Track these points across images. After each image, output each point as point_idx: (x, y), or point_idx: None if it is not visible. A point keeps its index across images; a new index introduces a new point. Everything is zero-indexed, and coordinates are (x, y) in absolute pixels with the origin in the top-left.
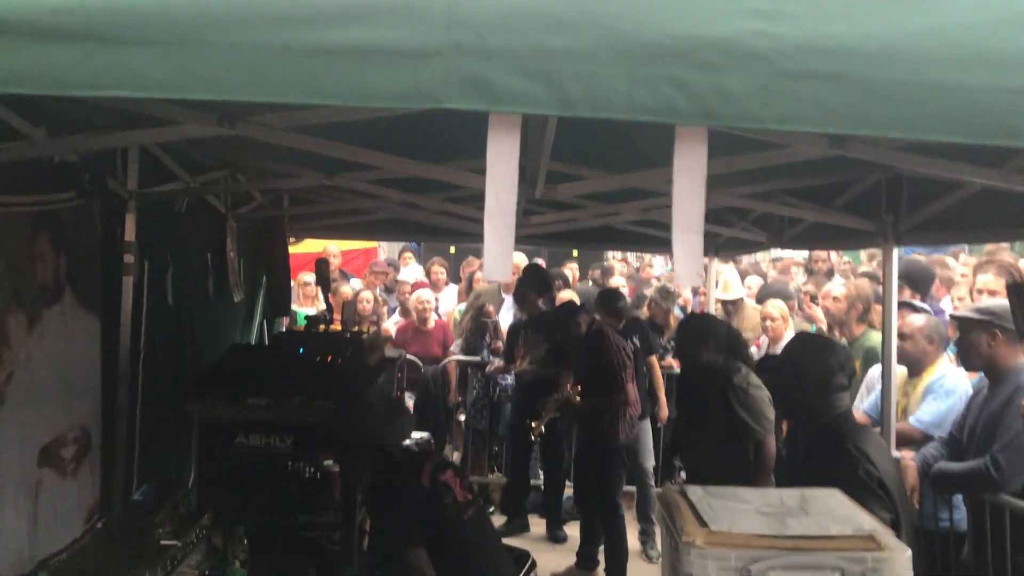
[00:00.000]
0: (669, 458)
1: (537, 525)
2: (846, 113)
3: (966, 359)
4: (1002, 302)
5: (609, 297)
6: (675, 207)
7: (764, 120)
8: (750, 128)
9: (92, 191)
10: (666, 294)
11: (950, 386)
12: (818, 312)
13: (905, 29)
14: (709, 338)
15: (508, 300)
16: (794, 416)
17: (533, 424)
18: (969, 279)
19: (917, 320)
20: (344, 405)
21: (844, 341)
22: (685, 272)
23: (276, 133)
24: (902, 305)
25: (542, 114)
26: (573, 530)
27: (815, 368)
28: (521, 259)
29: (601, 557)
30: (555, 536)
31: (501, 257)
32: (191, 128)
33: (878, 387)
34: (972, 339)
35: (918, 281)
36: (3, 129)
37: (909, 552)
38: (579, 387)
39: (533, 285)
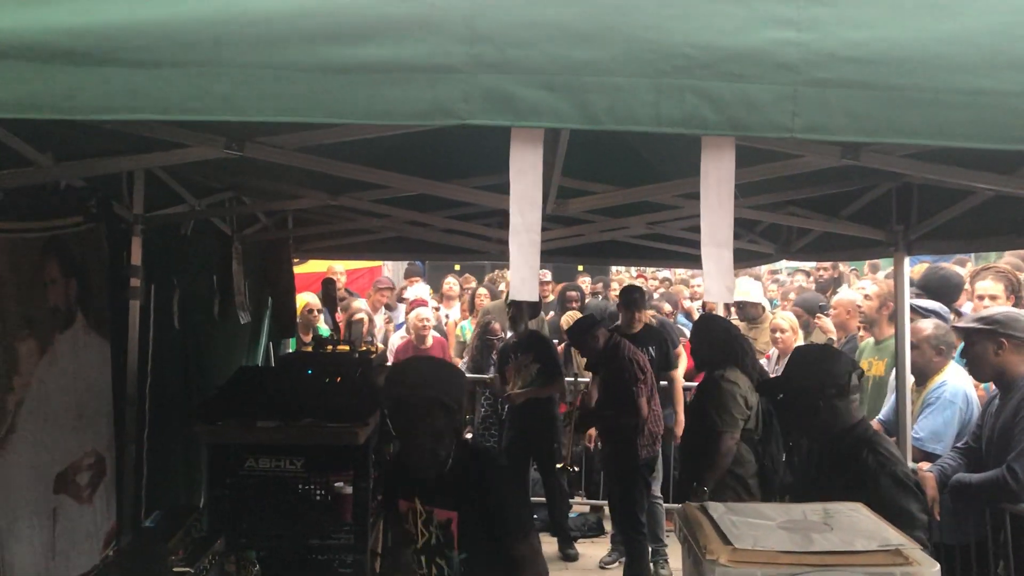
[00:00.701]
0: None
1: (546, 544)
2: (875, 121)
3: (975, 370)
4: (1006, 309)
5: (626, 291)
6: (704, 221)
7: (792, 130)
8: (778, 138)
9: (98, 215)
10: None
11: (949, 396)
12: (827, 323)
13: (934, 35)
14: (708, 337)
15: None
16: (809, 431)
17: (565, 465)
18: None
19: (926, 328)
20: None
21: (872, 340)
22: (716, 287)
23: (284, 154)
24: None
25: (565, 128)
26: (580, 548)
27: (831, 371)
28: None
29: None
30: (567, 555)
31: (528, 275)
32: (198, 151)
33: (892, 396)
34: (978, 350)
35: (937, 291)
36: (10, 156)
37: (937, 567)
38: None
39: (529, 305)
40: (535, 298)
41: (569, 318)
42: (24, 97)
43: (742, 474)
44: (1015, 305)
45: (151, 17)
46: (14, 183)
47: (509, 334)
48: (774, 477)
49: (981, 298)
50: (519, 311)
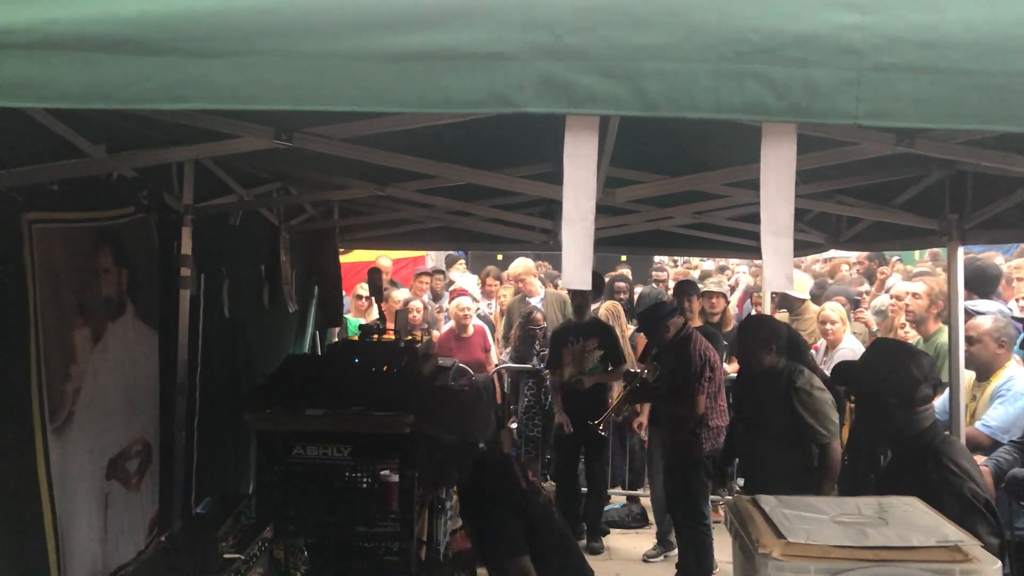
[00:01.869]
0: (722, 465)
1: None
2: (942, 107)
3: None
4: None
5: (680, 284)
6: (764, 209)
7: (856, 116)
8: (841, 124)
9: (149, 206)
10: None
11: (1019, 389)
12: (869, 317)
13: (1003, 17)
14: (772, 340)
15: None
16: (878, 430)
17: (600, 423)
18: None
19: (985, 323)
20: (425, 398)
21: (919, 338)
22: (775, 276)
23: (332, 144)
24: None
25: (622, 115)
26: (623, 539)
27: (898, 379)
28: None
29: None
30: (592, 548)
31: (581, 264)
32: (249, 142)
33: (945, 391)
34: None
35: (974, 282)
36: (65, 147)
37: (999, 564)
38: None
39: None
40: (588, 287)
41: (611, 307)
42: (84, 88)
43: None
44: None
45: (209, 7)
46: (69, 174)
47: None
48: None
49: None
50: (583, 298)
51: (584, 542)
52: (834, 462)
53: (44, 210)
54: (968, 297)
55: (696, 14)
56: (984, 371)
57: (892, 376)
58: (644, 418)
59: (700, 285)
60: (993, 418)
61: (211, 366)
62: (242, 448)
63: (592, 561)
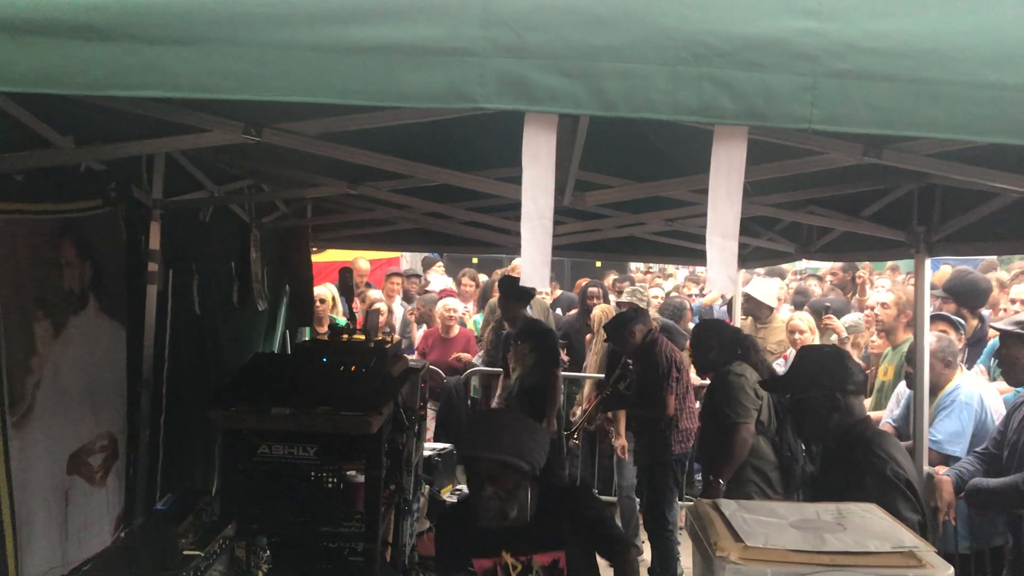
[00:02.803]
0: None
1: None
2: (896, 114)
3: (1008, 373)
4: None
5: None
6: (711, 210)
7: (811, 120)
8: (796, 129)
9: (117, 199)
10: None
11: (964, 398)
12: (836, 323)
13: (958, 27)
14: (713, 339)
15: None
16: (809, 430)
17: (572, 431)
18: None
19: (931, 343)
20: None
21: (888, 348)
22: (718, 278)
23: (303, 141)
24: (937, 318)
25: (580, 114)
26: None
27: (841, 377)
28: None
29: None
30: None
31: (540, 263)
32: (217, 136)
33: (899, 399)
34: (1013, 352)
35: (965, 296)
36: (31, 137)
37: (951, 570)
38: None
39: (513, 295)
40: (546, 285)
41: (607, 310)
42: (40, 72)
43: (762, 467)
44: None
45: None
46: (34, 164)
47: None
48: (794, 467)
49: (1014, 302)
50: (506, 306)
51: None
52: (736, 445)
53: (7, 200)
54: (957, 311)
55: (655, 16)
56: (933, 389)
57: (842, 368)
58: (623, 440)
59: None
60: (938, 431)
61: (178, 362)
62: (209, 445)
63: None
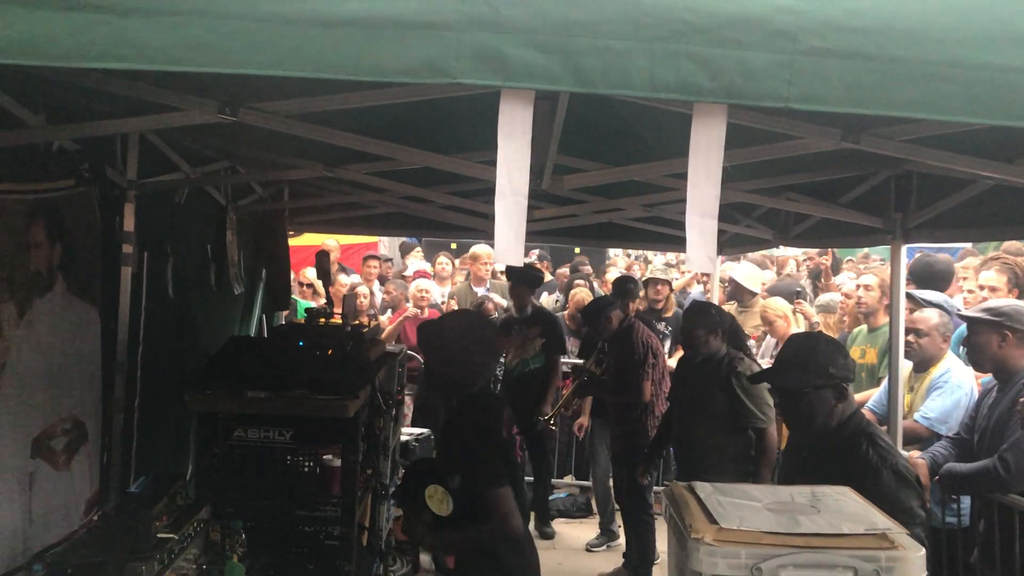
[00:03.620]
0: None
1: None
2: (873, 93)
3: (976, 360)
4: (1012, 302)
5: (619, 281)
6: (690, 189)
7: (788, 99)
8: (773, 108)
9: (91, 179)
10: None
11: (956, 381)
12: (807, 308)
13: (935, 6)
14: (718, 325)
15: (480, 292)
16: (799, 422)
17: (549, 417)
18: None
19: (933, 317)
20: (432, 333)
21: (865, 328)
22: (698, 257)
23: (280, 121)
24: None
25: (557, 90)
26: (566, 528)
27: (829, 368)
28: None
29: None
30: (543, 532)
31: (514, 240)
32: (193, 115)
33: (883, 384)
34: (981, 340)
35: (938, 280)
36: (2, 116)
37: (923, 551)
38: (594, 362)
39: (524, 280)
40: (520, 262)
41: (582, 296)
42: (7, 42)
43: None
44: (1018, 298)
45: None
46: (4, 143)
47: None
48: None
49: (982, 288)
50: (518, 293)
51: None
52: (770, 447)
53: None
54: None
55: None
56: (925, 364)
57: (825, 362)
58: (585, 419)
59: (648, 273)
60: (932, 410)
61: (153, 345)
62: (183, 429)
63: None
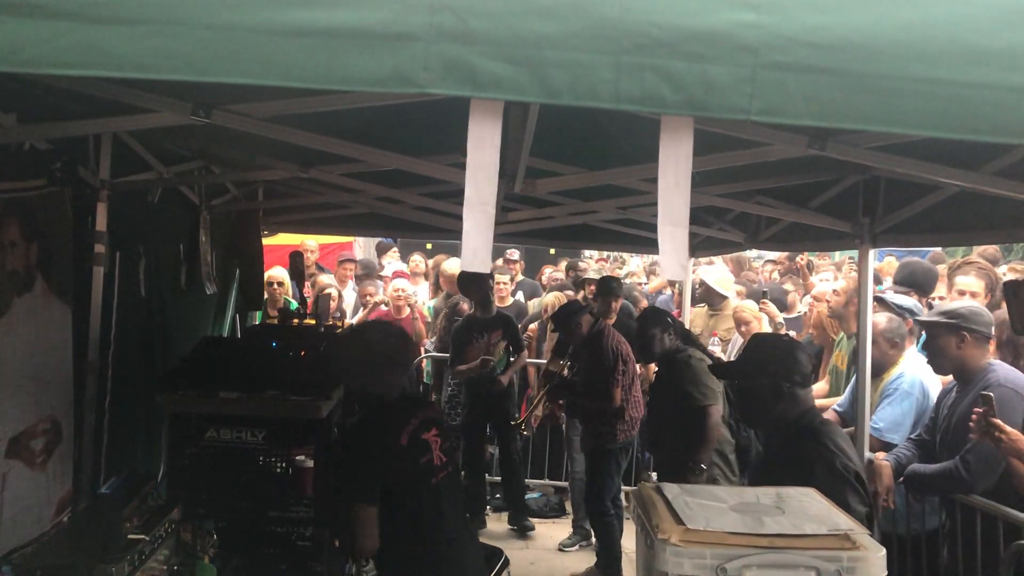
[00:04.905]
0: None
1: (496, 522)
2: (832, 106)
3: (936, 363)
4: (969, 303)
5: (603, 282)
6: (661, 199)
7: (750, 112)
8: (735, 120)
9: (63, 179)
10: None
11: (906, 387)
12: (772, 308)
13: (893, 22)
14: (668, 325)
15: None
16: (752, 417)
17: (521, 423)
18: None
19: (879, 322)
20: (342, 341)
21: (842, 335)
22: (670, 265)
23: (253, 123)
24: (878, 302)
25: (525, 101)
26: (540, 527)
27: (787, 367)
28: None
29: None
30: (522, 526)
31: (481, 248)
32: (166, 116)
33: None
34: (940, 343)
35: (922, 284)
36: None
37: (884, 551)
38: (563, 362)
39: (472, 280)
40: (487, 269)
41: (555, 299)
42: None
43: (723, 449)
44: (990, 303)
45: None
46: None
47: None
48: (751, 448)
49: (962, 293)
50: (484, 293)
51: (503, 524)
52: (709, 426)
53: None
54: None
55: (599, 6)
56: (877, 369)
57: (775, 362)
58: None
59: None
60: (880, 419)
61: (124, 345)
62: (154, 429)
63: (509, 549)
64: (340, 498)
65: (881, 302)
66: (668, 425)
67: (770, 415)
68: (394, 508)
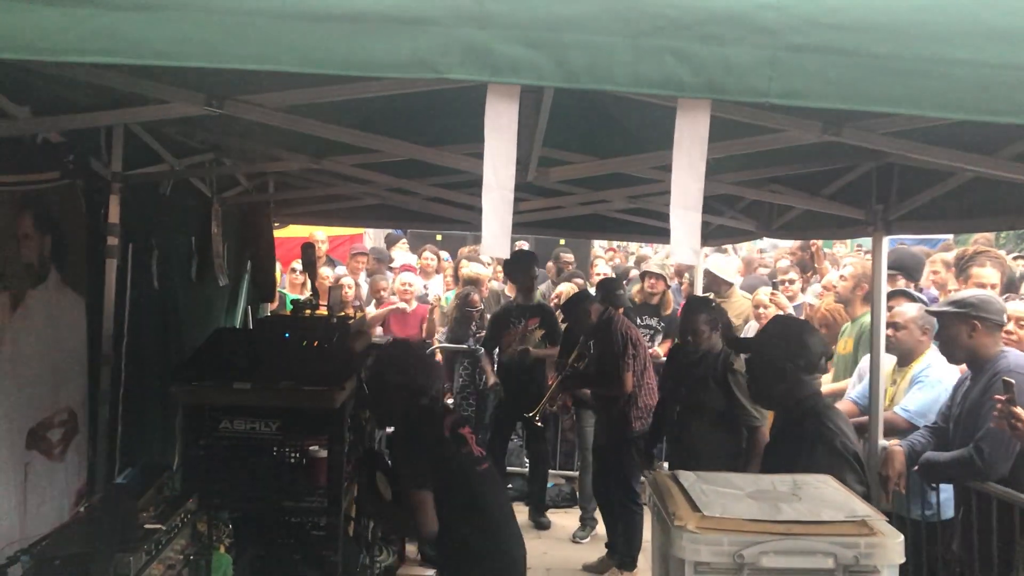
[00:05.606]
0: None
1: (520, 513)
2: (852, 88)
3: (948, 353)
4: (977, 292)
5: (606, 285)
6: (674, 182)
7: (769, 94)
8: (755, 103)
9: (76, 171)
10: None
11: (936, 376)
12: (782, 299)
13: (913, 3)
14: (718, 320)
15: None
16: (754, 394)
17: (534, 414)
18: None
19: (911, 310)
20: (384, 350)
21: (847, 321)
22: (681, 249)
23: (266, 113)
24: (898, 294)
25: (543, 85)
26: (552, 517)
27: (795, 346)
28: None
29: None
30: (539, 523)
31: (500, 233)
32: (178, 107)
33: (868, 377)
34: (952, 332)
35: (911, 269)
36: None
37: (901, 537)
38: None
39: (520, 267)
40: (506, 254)
41: (568, 289)
42: None
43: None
44: (1003, 293)
45: None
46: None
47: (484, 305)
48: None
49: (983, 286)
50: (530, 280)
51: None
52: (760, 444)
53: None
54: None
55: None
56: (906, 357)
57: (789, 344)
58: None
59: (643, 265)
60: (912, 403)
61: (138, 337)
62: (168, 420)
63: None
64: (400, 488)
65: (904, 294)
66: (695, 422)
67: (772, 393)
68: (451, 494)
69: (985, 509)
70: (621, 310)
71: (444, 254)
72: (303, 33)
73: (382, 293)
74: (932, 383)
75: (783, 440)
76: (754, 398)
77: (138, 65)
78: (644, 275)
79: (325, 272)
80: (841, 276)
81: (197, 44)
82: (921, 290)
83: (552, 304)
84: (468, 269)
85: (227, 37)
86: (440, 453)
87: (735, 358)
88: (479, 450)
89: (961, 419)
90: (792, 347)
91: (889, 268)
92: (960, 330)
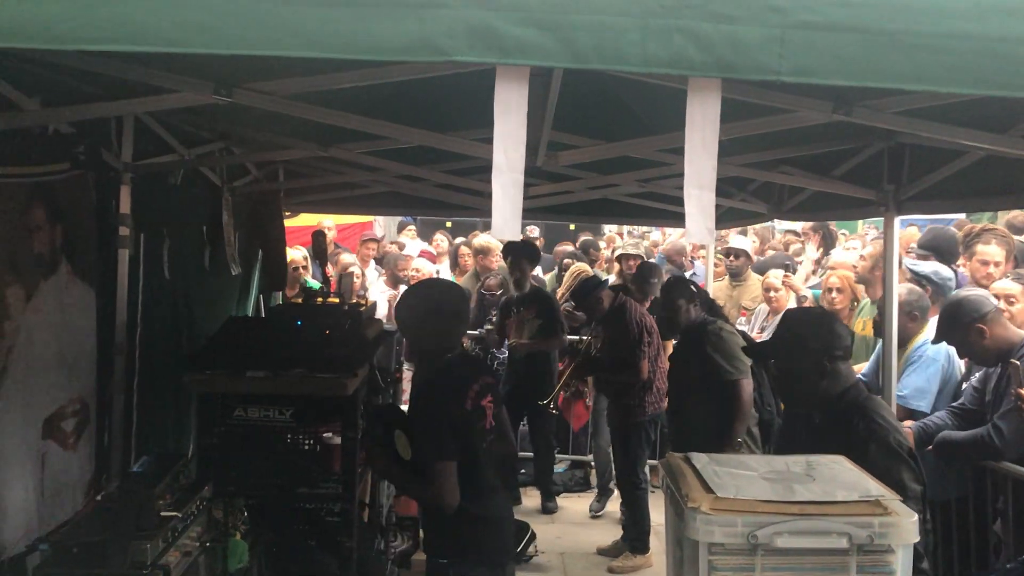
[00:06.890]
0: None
1: (531, 498)
2: (862, 65)
3: (983, 362)
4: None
5: (643, 272)
6: (687, 163)
7: (780, 72)
8: (765, 81)
9: (86, 162)
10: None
11: (931, 354)
12: (794, 281)
13: None
14: (694, 295)
15: None
16: (799, 399)
17: (549, 402)
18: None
19: (899, 294)
20: (405, 299)
21: (867, 300)
22: (696, 229)
23: (274, 101)
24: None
25: (552, 67)
26: (564, 502)
27: (827, 341)
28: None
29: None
30: (547, 508)
31: (511, 216)
32: (187, 96)
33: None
34: (971, 346)
35: (945, 251)
36: None
37: (916, 516)
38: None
39: (524, 254)
40: (517, 237)
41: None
42: (6, 26)
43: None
44: (1016, 267)
45: None
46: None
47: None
48: (773, 422)
49: (985, 263)
50: (521, 267)
51: (529, 500)
52: (743, 400)
53: None
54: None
55: None
56: (899, 341)
57: (820, 337)
58: (590, 399)
59: (619, 248)
60: (904, 386)
61: (151, 326)
62: (182, 409)
63: (535, 523)
64: (420, 458)
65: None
66: (691, 398)
67: (815, 394)
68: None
69: (1001, 489)
70: (651, 299)
71: (458, 239)
72: (310, 17)
73: (403, 274)
74: (925, 362)
75: (830, 439)
76: (792, 404)
77: (145, 54)
78: (621, 258)
79: (346, 259)
80: (861, 256)
81: (204, 30)
82: (956, 270)
83: (566, 285)
84: (480, 240)
85: (234, 23)
86: (460, 426)
87: (709, 323)
88: (492, 422)
89: (992, 404)
90: (824, 340)
91: (923, 249)
92: (975, 340)
